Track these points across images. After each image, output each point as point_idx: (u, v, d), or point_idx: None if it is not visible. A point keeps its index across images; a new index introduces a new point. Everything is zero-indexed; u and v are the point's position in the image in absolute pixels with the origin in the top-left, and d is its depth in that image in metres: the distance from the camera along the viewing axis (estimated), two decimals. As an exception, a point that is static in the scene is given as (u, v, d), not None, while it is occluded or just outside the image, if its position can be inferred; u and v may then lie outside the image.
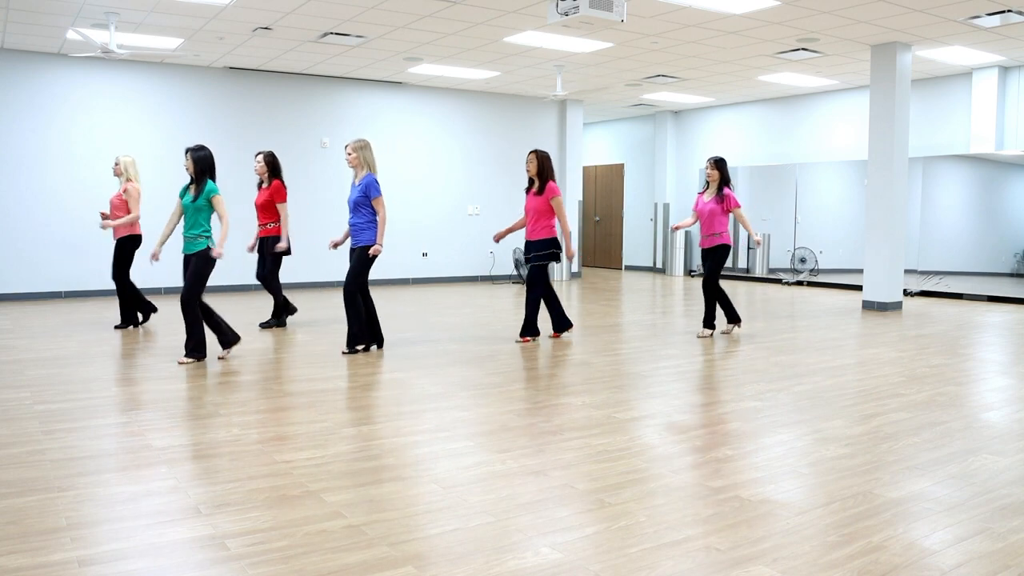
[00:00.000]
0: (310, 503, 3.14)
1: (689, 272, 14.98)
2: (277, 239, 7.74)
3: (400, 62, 10.75)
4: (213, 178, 6.08)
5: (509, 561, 2.62)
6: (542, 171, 6.95)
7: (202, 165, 5.99)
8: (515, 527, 2.91)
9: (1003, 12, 7.87)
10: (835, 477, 3.48)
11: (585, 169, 17.58)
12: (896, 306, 9.88)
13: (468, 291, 11.67)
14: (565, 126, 14.24)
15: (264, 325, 7.86)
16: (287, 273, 11.73)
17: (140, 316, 8.01)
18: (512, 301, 10.44)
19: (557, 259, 7.01)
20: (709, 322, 7.48)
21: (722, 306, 7.50)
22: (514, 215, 13.80)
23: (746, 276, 13.90)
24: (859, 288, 11.79)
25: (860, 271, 11.86)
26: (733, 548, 2.72)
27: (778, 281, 13.30)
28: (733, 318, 7.54)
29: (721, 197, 7.37)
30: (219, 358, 6.20)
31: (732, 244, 7.53)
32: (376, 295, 11.02)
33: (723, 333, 7.64)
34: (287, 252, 7.74)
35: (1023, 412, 4.67)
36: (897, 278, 9.89)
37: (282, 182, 7.77)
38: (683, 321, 8.53)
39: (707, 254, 7.42)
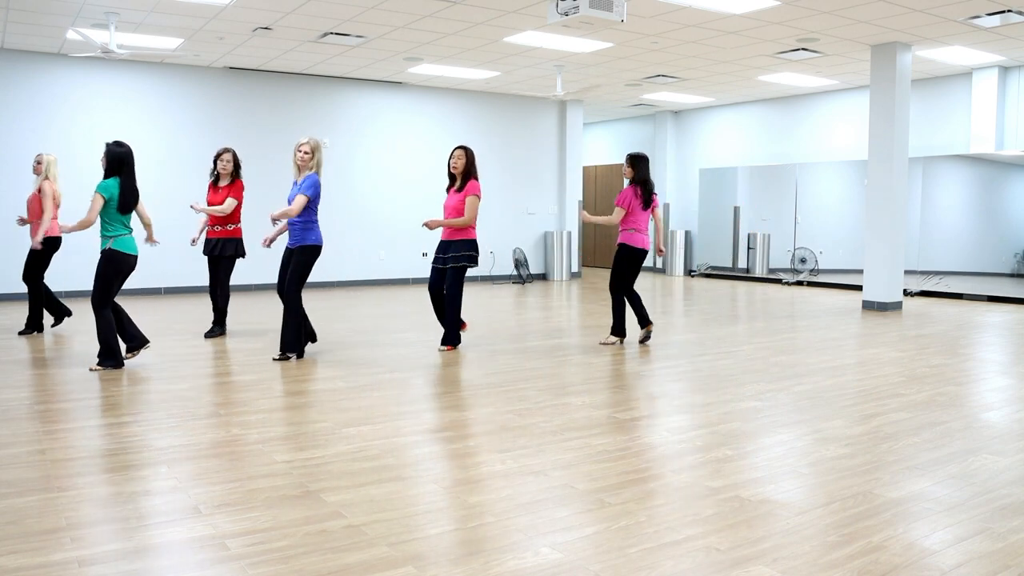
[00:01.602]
0: (310, 503, 3.14)
1: (689, 272, 14.98)
2: (232, 240, 7.25)
3: (400, 62, 10.75)
4: (121, 175, 5.64)
5: (509, 561, 2.62)
6: (468, 168, 6.55)
7: (109, 160, 5.65)
8: (515, 527, 2.90)
9: (1003, 12, 7.87)
10: (835, 477, 3.48)
11: (585, 169, 17.57)
12: (896, 306, 9.88)
13: (468, 291, 11.67)
14: (565, 126, 14.24)
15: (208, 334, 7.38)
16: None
17: (53, 319, 7.59)
18: (512, 301, 10.44)
19: (475, 263, 6.59)
20: (643, 322, 6.99)
21: (614, 312, 6.99)
22: (514, 214, 13.80)
23: (746, 276, 13.90)
24: (859, 288, 11.79)
25: (860, 271, 11.86)
26: (733, 548, 2.72)
27: (778, 281, 13.30)
28: (618, 331, 6.98)
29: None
30: (91, 369, 5.79)
31: (637, 247, 6.84)
32: (377, 295, 11.02)
33: (601, 343, 7.01)
34: (241, 254, 7.28)
35: (1023, 412, 4.67)
36: (897, 278, 9.89)
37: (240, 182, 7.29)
38: (683, 321, 8.53)
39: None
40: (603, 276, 14.79)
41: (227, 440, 4.01)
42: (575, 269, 14.40)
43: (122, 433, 4.12)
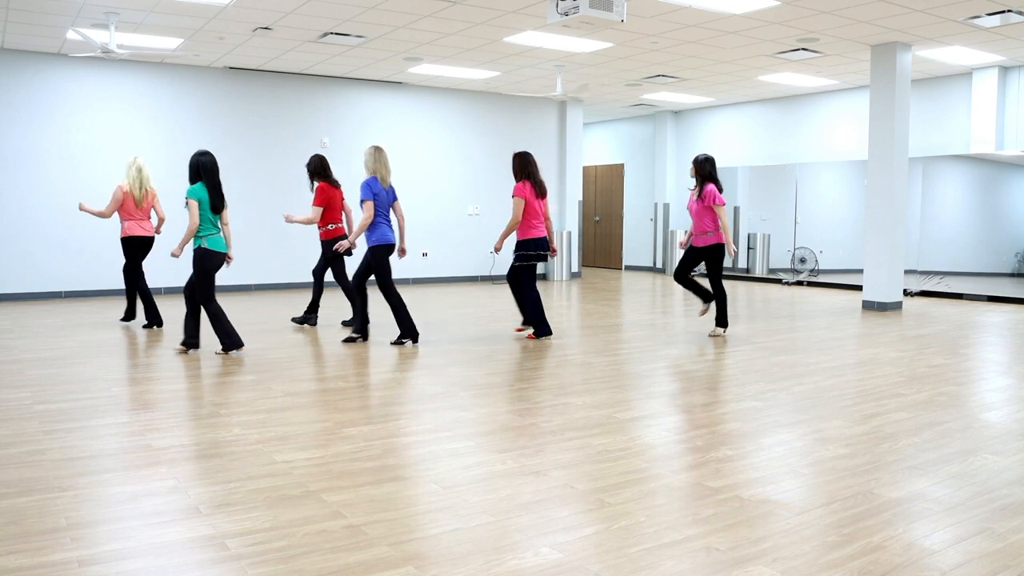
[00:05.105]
0: (310, 503, 3.14)
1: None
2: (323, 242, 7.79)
3: (400, 62, 10.75)
4: (204, 179, 6.26)
5: (509, 561, 2.62)
6: (515, 173, 7.29)
7: (190, 167, 6.33)
8: (515, 527, 2.91)
9: (1003, 12, 7.87)
10: (835, 477, 3.48)
11: (585, 169, 17.57)
12: (896, 306, 9.88)
13: (468, 291, 11.68)
14: (565, 126, 14.24)
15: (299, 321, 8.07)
16: (296, 274, 11.74)
17: (145, 319, 8.01)
18: (512, 301, 10.43)
19: (522, 260, 7.22)
20: (722, 320, 7.45)
21: (708, 296, 7.50)
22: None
23: (746, 276, 13.90)
24: (859, 288, 11.79)
25: (860, 271, 11.86)
26: (733, 548, 2.72)
27: (778, 281, 13.30)
28: (722, 321, 7.48)
29: (703, 195, 7.27)
30: (216, 353, 6.43)
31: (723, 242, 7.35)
32: (376, 295, 11.02)
33: (711, 335, 7.56)
34: (348, 253, 7.62)
35: (1023, 412, 4.67)
36: (897, 278, 9.89)
37: (325, 183, 7.58)
38: (683, 321, 8.53)
39: (702, 253, 7.36)
40: (603, 276, 14.80)
41: (227, 440, 4.01)
42: (575, 269, 14.40)
43: (122, 433, 4.13)
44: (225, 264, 6.44)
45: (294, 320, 8.04)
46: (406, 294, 11.23)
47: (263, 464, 3.63)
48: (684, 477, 3.47)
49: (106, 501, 3.14)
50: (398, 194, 12.71)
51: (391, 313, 6.84)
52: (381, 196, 6.73)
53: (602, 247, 17.29)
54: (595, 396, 5.02)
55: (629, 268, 16.61)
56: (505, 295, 11.16)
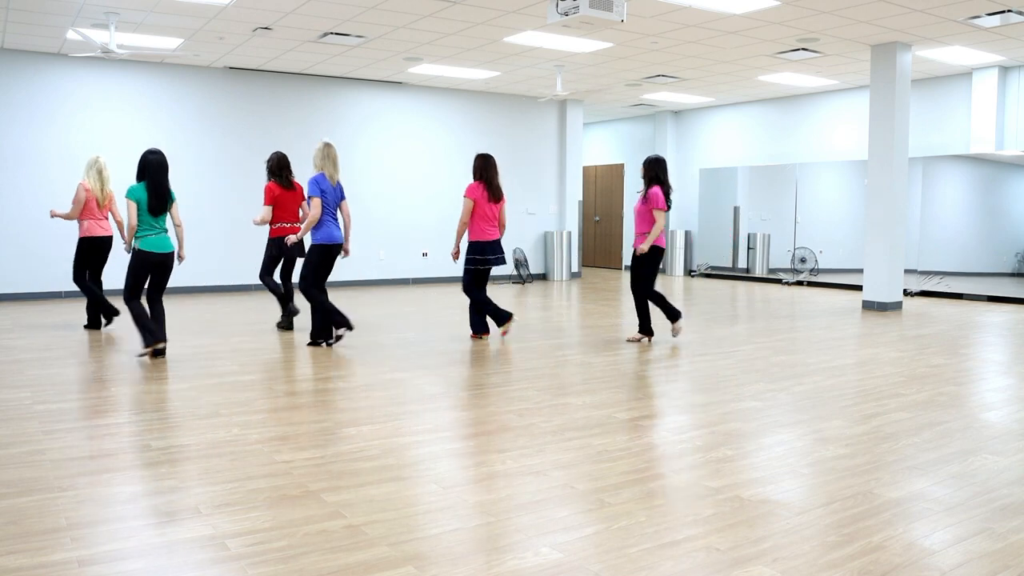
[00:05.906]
0: (310, 503, 3.14)
1: (689, 272, 14.98)
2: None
3: (400, 62, 10.75)
4: (145, 179, 6.09)
5: (509, 561, 2.62)
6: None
7: (138, 165, 6.18)
8: (515, 527, 2.91)
9: (1003, 12, 7.87)
10: (835, 477, 3.48)
11: (585, 169, 17.57)
12: (896, 306, 9.88)
13: (468, 291, 11.67)
14: (565, 126, 14.24)
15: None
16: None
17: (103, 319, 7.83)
18: (512, 301, 10.43)
19: (473, 264, 7.10)
20: (646, 327, 7.11)
21: (661, 308, 7.05)
22: (514, 214, 13.79)
23: (746, 276, 13.90)
24: (859, 288, 11.78)
25: (860, 271, 11.85)
26: (733, 548, 2.72)
27: (778, 281, 13.30)
28: (646, 329, 7.09)
29: (646, 197, 6.87)
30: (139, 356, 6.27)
31: (663, 246, 7.00)
32: (376, 295, 11.03)
33: (629, 340, 7.17)
34: (300, 253, 7.58)
35: (1023, 412, 4.67)
36: (897, 278, 9.89)
37: (273, 183, 7.50)
38: (683, 321, 8.52)
39: (641, 256, 6.92)
40: (603, 276, 14.80)
41: (227, 440, 4.01)
42: (575, 269, 14.40)
43: (122, 433, 4.13)
44: (177, 261, 6.32)
45: (278, 326, 7.84)
46: (406, 294, 11.23)
47: (263, 464, 3.63)
48: (684, 477, 3.47)
49: (106, 501, 3.14)
50: (392, 193, 12.72)
51: (310, 311, 6.71)
52: (328, 194, 6.61)
53: (602, 247, 17.29)
54: (595, 396, 5.02)
55: (629, 268, 16.60)
56: (504, 294, 11.16)
